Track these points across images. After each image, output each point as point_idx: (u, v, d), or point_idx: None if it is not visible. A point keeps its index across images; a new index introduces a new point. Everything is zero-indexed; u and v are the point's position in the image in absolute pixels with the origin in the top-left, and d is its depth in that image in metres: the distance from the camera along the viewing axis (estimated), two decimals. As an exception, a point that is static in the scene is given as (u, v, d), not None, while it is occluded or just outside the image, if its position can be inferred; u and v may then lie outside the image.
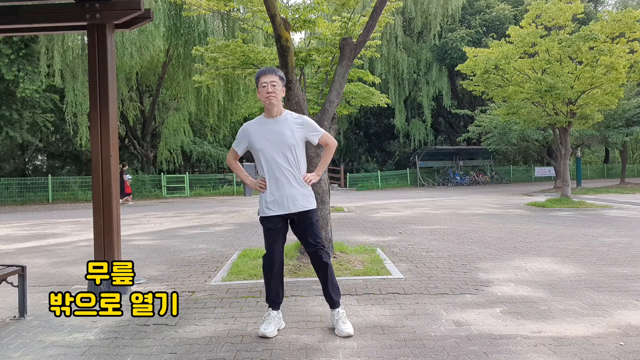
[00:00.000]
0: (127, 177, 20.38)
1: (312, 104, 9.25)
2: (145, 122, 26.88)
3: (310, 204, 3.52)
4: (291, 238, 7.03)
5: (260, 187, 3.56)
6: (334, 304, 3.55)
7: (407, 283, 4.92)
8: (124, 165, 21.68)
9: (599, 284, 4.77)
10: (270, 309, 3.55)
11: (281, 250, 3.57)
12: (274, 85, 3.43)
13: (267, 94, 3.42)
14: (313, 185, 5.55)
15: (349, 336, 3.39)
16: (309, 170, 3.84)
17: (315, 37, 9.27)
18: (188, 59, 21.87)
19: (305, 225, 3.51)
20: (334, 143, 3.70)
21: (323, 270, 3.52)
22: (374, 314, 3.90)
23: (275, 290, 3.55)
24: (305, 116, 3.66)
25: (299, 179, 3.49)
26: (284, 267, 5.51)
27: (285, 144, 3.44)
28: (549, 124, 15.50)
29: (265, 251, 3.58)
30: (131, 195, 21.06)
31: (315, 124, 3.63)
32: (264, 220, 3.55)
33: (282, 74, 3.55)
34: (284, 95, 3.60)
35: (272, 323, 3.47)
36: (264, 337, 3.39)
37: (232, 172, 28.93)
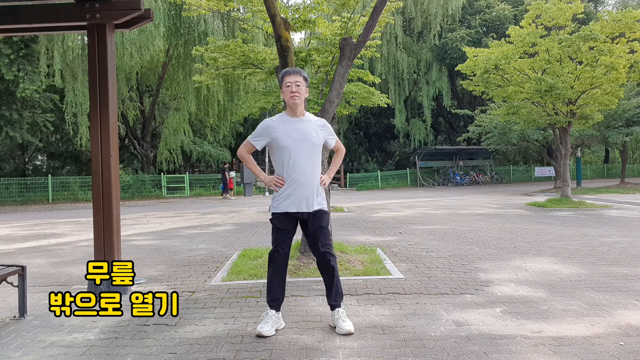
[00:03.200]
0: (232, 174, 22.88)
1: (312, 104, 9.24)
2: (145, 122, 26.88)
3: (323, 205, 3.58)
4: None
5: (276, 185, 3.53)
6: (335, 306, 3.57)
7: (407, 283, 4.92)
8: (225, 163, 24.47)
9: (599, 284, 4.77)
10: (269, 308, 3.56)
11: (287, 251, 3.59)
12: (298, 85, 3.50)
13: (291, 93, 3.49)
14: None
15: (349, 333, 3.40)
16: None
17: (315, 37, 9.27)
18: (188, 59, 21.87)
19: (317, 227, 3.53)
20: (344, 149, 3.89)
21: (330, 274, 3.56)
22: (374, 314, 3.90)
23: (277, 290, 3.56)
24: (324, 119, 3.76)
25: (317, 181, 3.54)
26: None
27: (311, 144, 3.50)
28: (549, 124, 15.49)
29: (271, 248, 3.59)
30: (233, 191, 23.40)
31: (332, 129, 3.77)
32: (275, 218, 3.55)
33: (306, 74, 3.61)
34: (307, 95, 3.66)
35: (270, 322, 3.48)
36: (260, 336, 3.40)
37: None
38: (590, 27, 13.14)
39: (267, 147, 3.67)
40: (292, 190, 3.48)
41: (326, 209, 3.62)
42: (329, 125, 3.75)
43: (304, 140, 3.49)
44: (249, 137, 3.66)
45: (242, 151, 3.67)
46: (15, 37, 18.07)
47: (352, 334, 3.42)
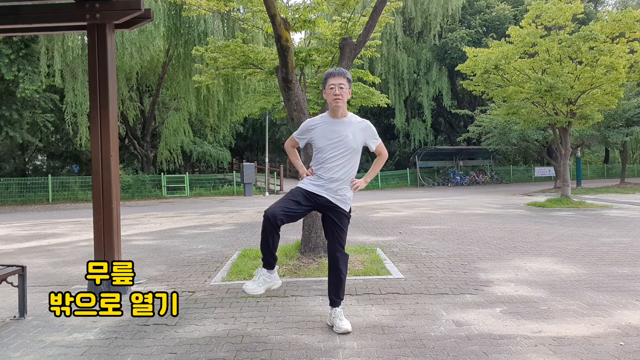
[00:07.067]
0: None
1: (312, 104, 9.23)
2: (145, 122, 26.88)
3: (345, 205, 3.51)
4: (291, 238, 7.04)
5: (307, 176, 3.59)
6: (335, 303, 3.57)
7: (407, 283, 4.92)
8: None
9: (599, 284, 4.77)
10: (262, 266, 3.47)
11: (282, 222, 3.32)
12: (342, 88, 3.45)
13: (334, 96, 3.44)
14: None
15: (347, 332, 3.43)
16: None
17: (315, 37, 9.26)
18: (188, 59, 21.86)
19: (335, 227, 3.50)
20: (386, 154, 3.75)
21: (337, 274, 3.53)
22: (374, 314, 3.90)
23: (268, 251, 3.38)
24: (368, 121, 3.65)
25: (348, 182, 3.51)
26: (284, 267, 5.53)
27: (347, 146, 3.46)
28: (549, 124, 15.49)
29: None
30: None
31: (375, 131, 3.64)
32: (296, 187, 3.51)
33: (350, 76, 3.55)
34: (349, 97, 3.62)
35: (258, 281, 3.41)
36: (245, 293, 3.38)
37: (232, 172, 29.10)
38: (590, 27, 13.14)
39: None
40: (319, 182, 3.47)
41: (346, 211, 3.53)
42: (373, 127, 3.62)
43: (339, 143, 3.46)
44: (294, 133, 3.74)
45: (287, 144, 3.83)
46: (15, 37, 18.07)
47: (350, 332, 3.44)
